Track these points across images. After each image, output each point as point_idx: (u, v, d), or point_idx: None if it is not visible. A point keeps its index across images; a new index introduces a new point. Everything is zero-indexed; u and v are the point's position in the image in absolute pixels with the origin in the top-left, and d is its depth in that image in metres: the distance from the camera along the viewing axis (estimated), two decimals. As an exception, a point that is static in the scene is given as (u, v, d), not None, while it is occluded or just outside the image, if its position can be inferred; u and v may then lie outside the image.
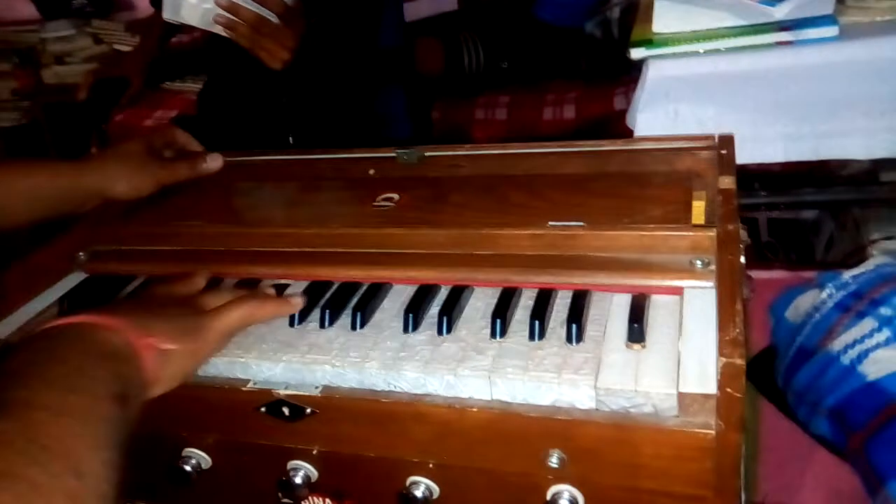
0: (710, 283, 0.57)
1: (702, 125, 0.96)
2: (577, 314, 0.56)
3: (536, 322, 0.56)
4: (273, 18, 1.02)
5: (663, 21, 0.97)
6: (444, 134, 1.93)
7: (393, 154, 0.85)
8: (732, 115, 0.96)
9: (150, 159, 0.84)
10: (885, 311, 0.90)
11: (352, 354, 0.58)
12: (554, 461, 0.51)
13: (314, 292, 0.66)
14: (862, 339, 0.89)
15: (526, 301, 0.61)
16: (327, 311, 0.62)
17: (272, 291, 0.66)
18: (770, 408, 1.02)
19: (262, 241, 0.73)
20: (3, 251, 0.80)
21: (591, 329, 0.56)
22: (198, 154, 0.90)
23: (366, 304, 0.63)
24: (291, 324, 0.63)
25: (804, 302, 1.01)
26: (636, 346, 0.53)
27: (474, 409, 0.53)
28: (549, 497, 0.54)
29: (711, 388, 0.48)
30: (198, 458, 0.64)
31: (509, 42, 2.12)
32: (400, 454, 0.57)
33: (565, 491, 0.53)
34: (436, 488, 0.58)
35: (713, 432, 0.47)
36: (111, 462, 0.42)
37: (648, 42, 0.97)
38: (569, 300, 0.59)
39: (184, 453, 0.65)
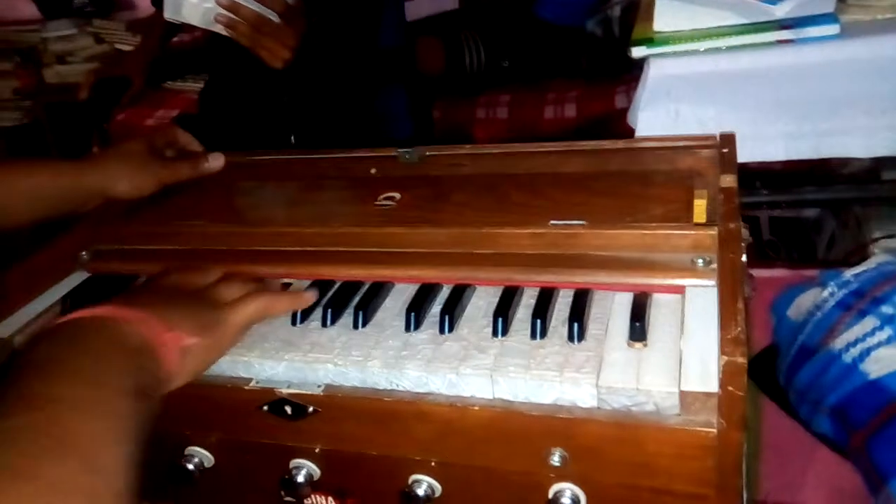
0: (712, 282, 0.57)
1: (703, 124, 0.96)
2: (578, 313, 0.56)
3: (538, 321, 0.56)
4: (274, 17, 1.02)
5: (664, 19, 0.97)
6: (445, 133, 1.93)
7: (394, 153, 0.85)
8: (733, 113, 0.96)
9: (151, 159, 0.84)
10: (886, 309, 0.90)
11: (354, 353, 0.58)
12: (556, 459, 0.51)
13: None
14: (863, 338, 0.89)
15: (527, 300, 0.61)
16: (329, 309, 0.63)
17: (279, 284, 0.66)
18: (772, 406, 1.02)
19: (263, 240, 0.73)
20: (4, 251, 0.81)
21: (592, 328, 0.56)
22: (199, 153, 0.90)
23: (368, 303, 0.63)
24: (294, 323, 0.63)
25: (806, 300, 1.01)
26: (638, 345, 0.53)
27: (476, 408, 0.53)
28: (550, 495, 0.54)
29: (713, 386, 0.48)
30: (200, 456, 0.65)
31: (510, 41, 2.12)
32: (402, 453, 0.57)
33: (567, 489, 0.53)
34: (438, 487, 0.58)
35: (715, 430, 0.47)
36: (130, 457, 0.42)
37: (649, 41, 0.97)
38: (570, 299, 0.59)
39: (186, 452, 0.65)
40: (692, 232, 0.61)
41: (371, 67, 1.32)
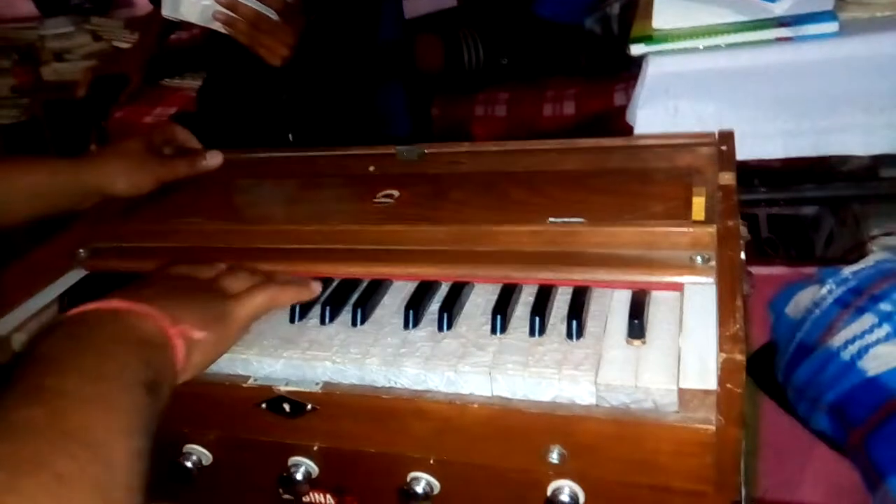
0: (711, 279, 0.57)
1: (701, 121, 0.96)
2: (577, 310, 0.56)
3: (537, 318, 0.56)
4: (272, 15, 1.01)
5: (663, 17, 0.97)
6: (443, 130, 1.93)
7: (393, 151, 0.85)
8: (732, 111, 0.96)
9: (149, 156, 0.84)
10: (885, 306, 0.90)
11: (352, 351, 0.58)
12: (554, 457, 0.51)
13: (314, 289, 0.66)
14: (862, 335, 0.89)
15: (526, 297, 0.61)
16: (328, 307, 0.63)
17: (286, 277, 0.66)
18: (770, 404, 1.02)
19: (262, 238, 0.73)
20: (2, 248, 0.80)
21: (591, 325, 0.56)
22: (197, 151, 0.90)
23: (366, 300, 0.63)
24: (292, 320, 0.63)
25: (804, 298, 1.01)
26: (636, 342, 0.53)
27: (475, 406, 0.53)
28: (549, 493, 0.54)
29: (712, 383, 0.48)
30: (199, 454, 0.65)
31: (509, 38, 2.12)
32: (400, 450, 0.57)
33: (566, 487, 0.53)
34: (436, 484, 0.58)
35: (713, 428, 0.47)
36: (139, 451, 0.42)
37: (648, 38, 0.97)
38: (569, 296, 0.59)
39: (185, 450, 0.65)
40: (691, 229, 0.60)
41: (370, 65, 1.32)
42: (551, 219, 0.65)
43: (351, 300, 0.64)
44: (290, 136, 1.28)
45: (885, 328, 0.88)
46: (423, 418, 0.55)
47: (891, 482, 0.79)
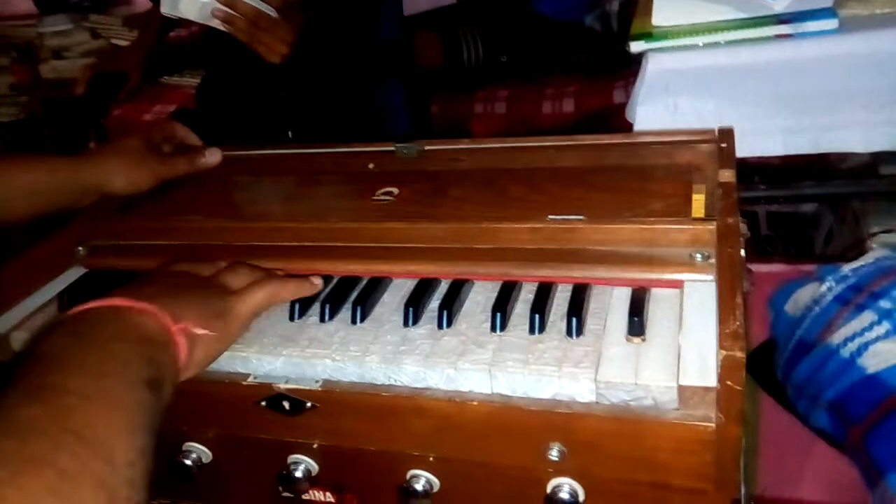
0: (710, 277, 0.57)
1: (701, 118, 0.95)
2: (577, 308, 0.56)
3: (536, 316, 0.56)
4: (271, 12, 1.01)
5: (663, 14, 0.97)
6: (443, 128, 1.93)
7: (392, 148, 0.85)
8: (732, 108, 0.96)
9: (148, 154, 0.84)
10: (884, 303, 0.90)
11: (352, 348, 0.58)
12: (554, 454, 0.51)
13: (314, 286, 0.66)
14: (861, 332, 0.89)
15: (526, 295, 0.61)
16: (327, 305, 0.62)
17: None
18: (769, 401, 1.02)
19: (261, 235, 0.73)
20: (1, 246, 0.80)
21: (591, 322, 0.56)
22: (196, 149, 0.90)
23: (366, 298, 0.63)
24: (292, 318, 0.63)
25: (803, 295, 1.01)
26: (636, 340, 0.53)
27: (474, 403, 0.53)
28: (549, 490, 0.54)
29: (711, 380, 0.48)
30: (198, 452, 0.65)
31: (508, 36, 2.12)
32: (400, 448, 0.57)
33: (565, 484, 0.53)
34: (436, 482, 0.58)
35: (713, 425, 0.47)
36: (142, 448, 0.42)
37: (648, 35, 0.97)
38: (569, 294, 0.59)
39: (184, 447, 0.65)
40: (691, 227, 0.60)
41: (369, 62, 1.32)
42: (551, 216, 0.65)
43: (350, 298, 0.64)
44: (289, 133, 1.28)
45: (885, 325, 0.88)
46: (422, 416, 0.55)
47: (890, 479, 0.79)
